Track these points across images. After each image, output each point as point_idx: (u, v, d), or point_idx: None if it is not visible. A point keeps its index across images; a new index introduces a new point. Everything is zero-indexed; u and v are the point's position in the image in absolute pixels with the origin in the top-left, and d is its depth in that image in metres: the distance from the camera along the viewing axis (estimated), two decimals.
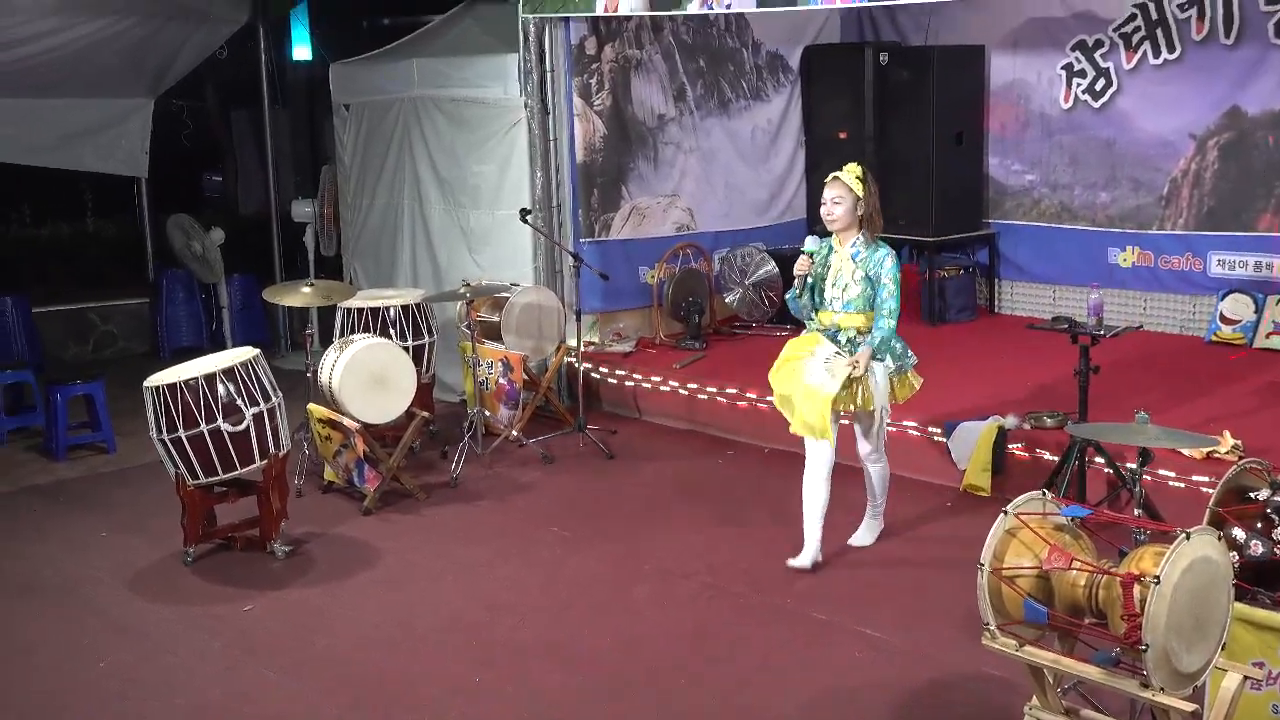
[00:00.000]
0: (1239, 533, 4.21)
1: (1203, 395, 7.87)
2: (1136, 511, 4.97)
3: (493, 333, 8.63)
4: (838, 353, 6.10)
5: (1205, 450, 6.52)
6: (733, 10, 8.32)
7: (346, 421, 7.38)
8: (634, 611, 5.98)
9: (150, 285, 12.27)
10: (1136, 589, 3.55)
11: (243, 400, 6.56)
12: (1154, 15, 9.49)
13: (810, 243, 6.17)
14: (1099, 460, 6.67)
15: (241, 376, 6.60)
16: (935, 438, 7.55)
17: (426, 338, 8.55)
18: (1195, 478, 6.50)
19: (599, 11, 8.58)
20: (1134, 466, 4.97)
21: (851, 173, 6.11)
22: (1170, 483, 6.58)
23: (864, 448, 6.40)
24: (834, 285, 6.16)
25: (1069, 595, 3.74)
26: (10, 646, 5.80)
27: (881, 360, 6.10)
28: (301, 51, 13.61)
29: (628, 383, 9.26)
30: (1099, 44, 9.85)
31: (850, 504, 6.58)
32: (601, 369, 9.40)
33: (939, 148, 10.27)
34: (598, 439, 8.41)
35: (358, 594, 6.28)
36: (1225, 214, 9.43)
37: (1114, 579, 3.63)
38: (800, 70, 10.98)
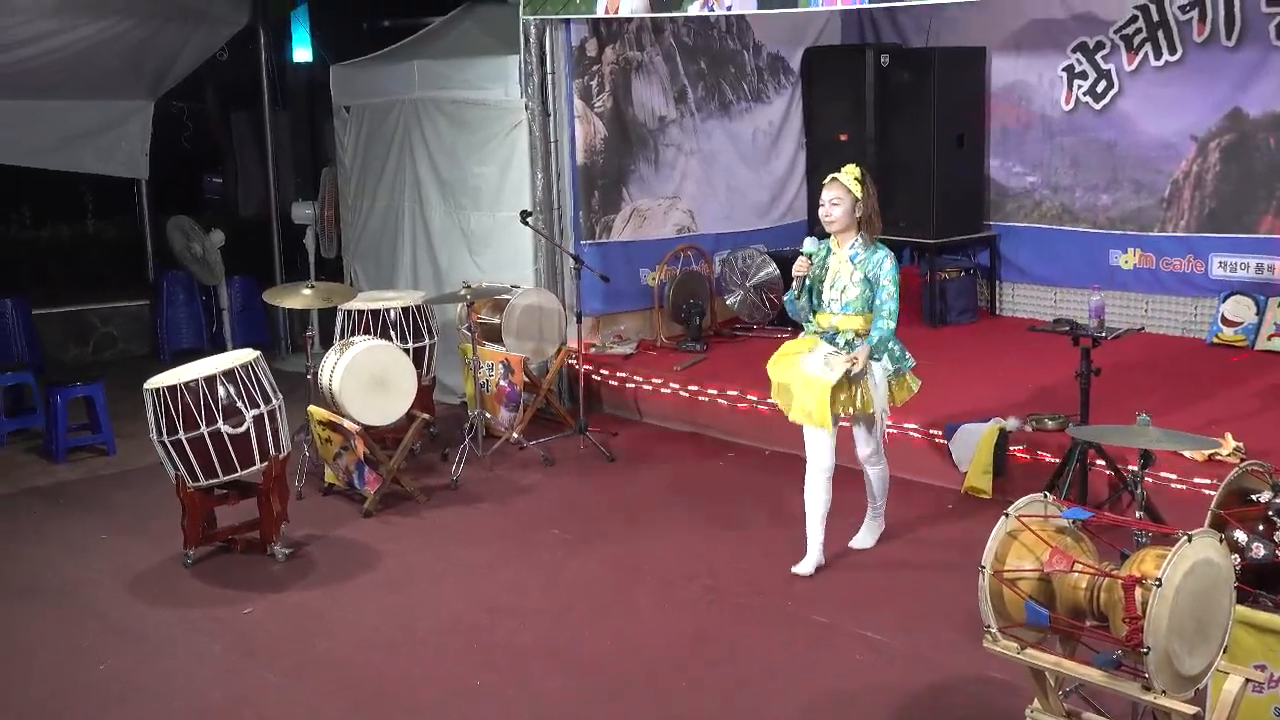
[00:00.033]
0: (1241, 535, 4.20)
1: (1204, 397, 7.86)
2: (1138, 514, 4.96)
3: (493, 335, 8.62)
4: (835, 351, 6.09)
5: (1207, 452, 6.50)
6: (734, 12, 8.31)
7: (347, 424, 7.37)
8: (634, 614, 5.97)
9: (150, 287, 12.27)
10: (1138, 591, 3.54)
11: (243, 402, 6.55)
12: (1155, 17, 9.48)
13: (809, 244, 6.15)
14: (1100, 462, 6.66)
15: (242, 378, 6.59)
16: (936, 440, 7.54)
17: (427, 340, 8.54)
18: (1197, 480, 6.49)
19: (600, 13, 8.58)
20: (1135, 469, 4.95)
21: (850, 174, 6.09)
22: (1172, 485, 6.57)
23: (863, 451, 6.38)
24: (832, 287, 6.13)
25: (1070, 598, 3.74)
26: (10, 649, 5.79)
27: (879, 360, 6.08)
28: (302, 53, 13.61)
29: (628, 385, 9.25)
30: (1100, 46, 9.84)
31: (851, 507, 6.57)
32: (602, 371, 9.39)
33: (940, 150, 10.26)
34: (598, 441, 8.40)
35: (358, 596, 6.27)
36: (1227, 216, 9.42)
37: (1115, 581, 3.62)
38: (801, 72, 10.98)
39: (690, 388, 8.89)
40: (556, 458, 8.29)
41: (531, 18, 9.05)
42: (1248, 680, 3.80)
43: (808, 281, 6.16)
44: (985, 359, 9.24)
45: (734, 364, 9.13)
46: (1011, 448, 7.25)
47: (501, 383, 8.36)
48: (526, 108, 9.25)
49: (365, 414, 7.48)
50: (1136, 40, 9.63)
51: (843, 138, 10.69)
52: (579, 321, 8.63)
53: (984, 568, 3.81)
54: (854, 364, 5.98)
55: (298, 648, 5.71)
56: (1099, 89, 9.92)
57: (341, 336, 8.33)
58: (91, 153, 11.76)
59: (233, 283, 11.78)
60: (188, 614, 6.11)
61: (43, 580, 6.59)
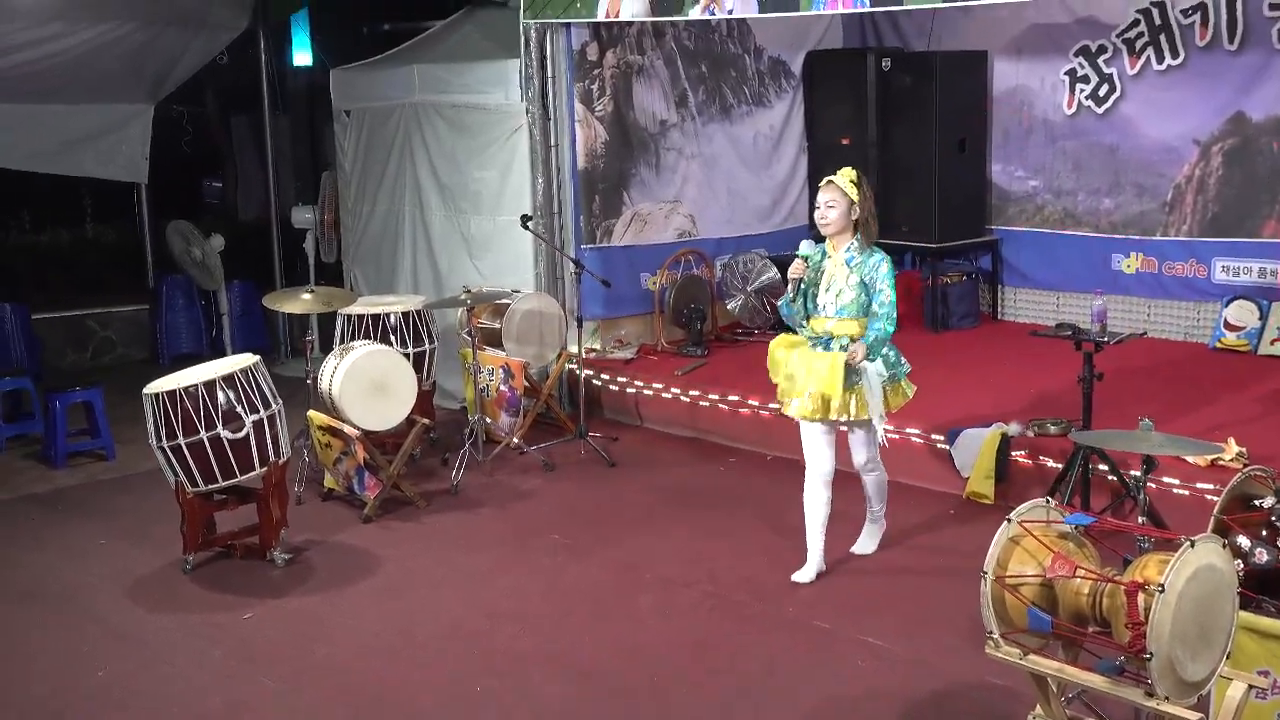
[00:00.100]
0: (1244, 540, 4.18)
1: (1207, 402, 7.84)
2: (1141, 519, 4.94)
3: (494, 339, 8.60)
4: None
5: (1210, 457, 6.48)
6: (735, 16, 8.30)
7: (347, 429, 7.35)
8: (635, 620, 5.95)
9: (150, 292, 12.26)
10: (1141, 597, 3.52)
11: (242, 407, 6.54)
12: (1157, 21, 9.47)
13: (805, 247, 6.11)
14: (1103, 467, 6.64)
15: (241, 383, 6.58)
16: (938, 445, 7.52)
17: (427, 344, 8.52)
18: (1200, 485, 6.47)
19: (600, 17, 8.57)
20: (1138, 474, 4.93)
21: (846, 176, 6.05)
22: (1174, 490, 6.55)
23: (860, 458, 6.32)
24: (827, 291, 6.09)
25: (1073, 603, 3.72)
26: (10, 654, 5.78)
27: (873, 362, 6.02)
28: (302, 57, 13.63)
29: (629, 390, 9.23)
30: (1102, 50, 9.83)
31: (852, 513, 6.55)
32: (603, 376, 9.37)
33: (942, 154, 10.25)
34: (599, 446, 8.39)
35: (358, 602, 6.25)
36: (1230, 220, 9.40)
37: (1118, 587, 3.60)
38: (802, 76, 10.96)
39: (691, 392, 8.88)
40: (557, 463, 8.27)
41: (532, 21, 9.04)
42: (1251, 686, 3.79)
43: (803, 285, 6.12)
44: (987, 364, 9.23)
45: (735, 369, 9.11)
46: (1014, 453, 7.23)
47: (502, 387, 8.35)
48: (527, 112, 9.24)
49: (365, 419, 7.47)
50: (1139, 44, 9.61)
51: (844, 142, 10.68)
52: (579, 326, 8.62)
53: (986, 573, 3.80)
54: (854, 358, 5.94)
55: (297, 653, 5.69)
56: (1101, 93, 9.91)
57: (341, 341, 8.32)
58: (91, 157, 11.76)
59: (232, 287, 11.77)
60: (187, 619, 6.09)
61: (42, 585, 6.58)
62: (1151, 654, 3.45)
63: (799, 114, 10.99)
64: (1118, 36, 9.72)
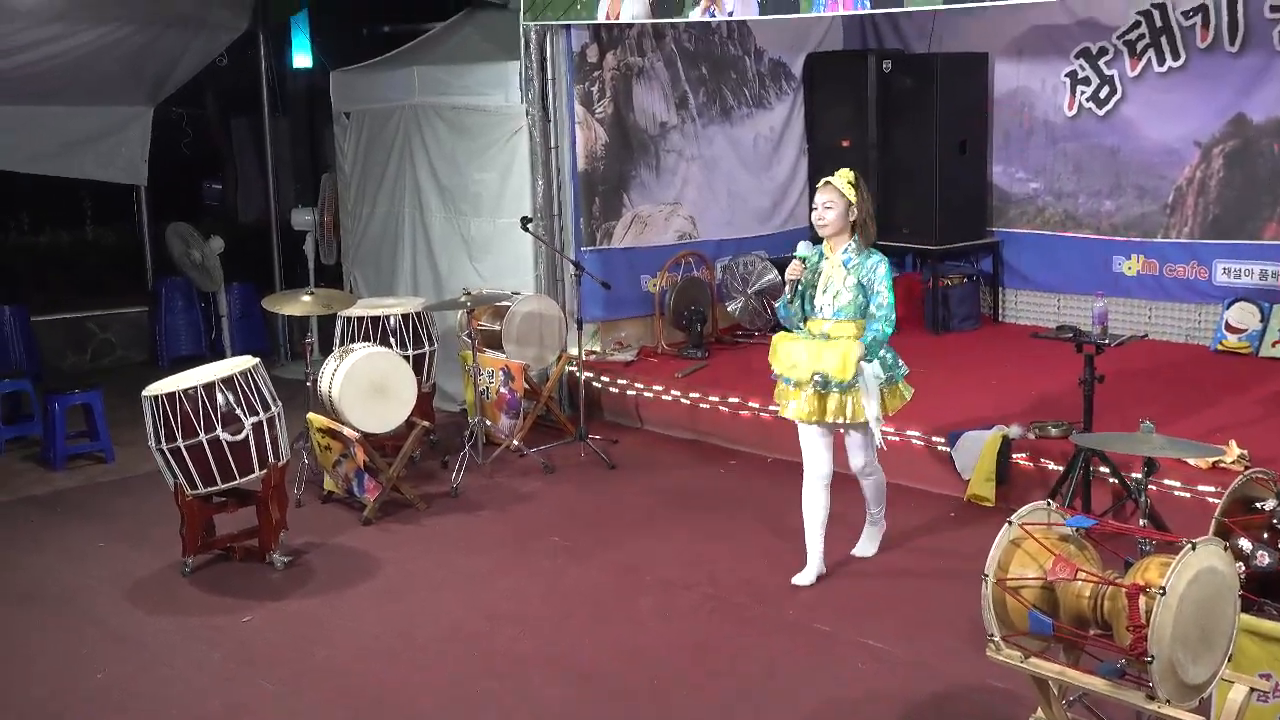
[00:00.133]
0: (1245, 543, 4.18)
1: (1208, 405, 7.83)
2: (1142, 522, 4.93)
3: (493, 341, 8.60)
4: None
5: (1211, 460, 6.48)
6: (735, 18, 8.29)
7: (346, 431, 7.34)
8: (635, 622, 5.95)
9: (149, 294, 12.26)
10: (1142, 600, 3.52)
11: (242, 410, 6.53)
12: (1158, 23, 9.47)
13: (803, 248, 6.10)
14: (1104, 470, 6.63)
15: (241, 386, 6.57)
16: (939, 447, 7.51)
17: (427, 346, 8.51)
18: (1201, 488, 6.46)
19: (600, 19, 8.56)
20: (1139, 476, 4.92)
21: (843, 178, 6.03)
22: (1176, 493, 6.54)
23: (857, 462, 6.29)
24: (824, 292, 6.07)
25: (1074, 606, 3.71)
26: (8, 656, 5.77)
27: (870, 363, 6.00)
28: (302, 59, 13.61)
29: (629, 392, 9.22)
30: (1103, 51, 9.83)
31: (852, 515, 6.54)
32: (603, 378, 9.36)
33: (942, 156, 10.25)
34: (599, 449, 8.38)
35: (357, 604, 6.24)
36: (1231, 222, 9.40)
37: (1119, 590, 3.60)
38: (803, 78, 10.96)
39: (691, 395, 8.87)
40: (557, 465, 8.26)
41: (532, 23, 9.03)
42: (1252, 689, 3.78)
43: (800, 286, 6.11)
44: (988, 366, 9.22)
45: (735, 371, 9.11)
46: (1014, 455, 7.22)
47: (502, 390, 8.34)
48: (527, 113, 9.24)
49: (365, 421, 7.46)
50: (1140, 46, 9.61)
51: (845, 144, 10.67)
52: (579, 328, 8.61)
53: (987, 576, 3.79)
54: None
55: (297, 656, 5.68)
56: (1102, 95, 9.90)
57: (341, 343, 8.31)
58: (91, 158, 11.76)
59: (232, 289, 11.75)
60: (186, 622, 6.09)
61: (41, 588, 6.57)
62: (1153, 657, 3.44)
63: (799, 116, 10.98)
64: (1118, 38, 9.72)
